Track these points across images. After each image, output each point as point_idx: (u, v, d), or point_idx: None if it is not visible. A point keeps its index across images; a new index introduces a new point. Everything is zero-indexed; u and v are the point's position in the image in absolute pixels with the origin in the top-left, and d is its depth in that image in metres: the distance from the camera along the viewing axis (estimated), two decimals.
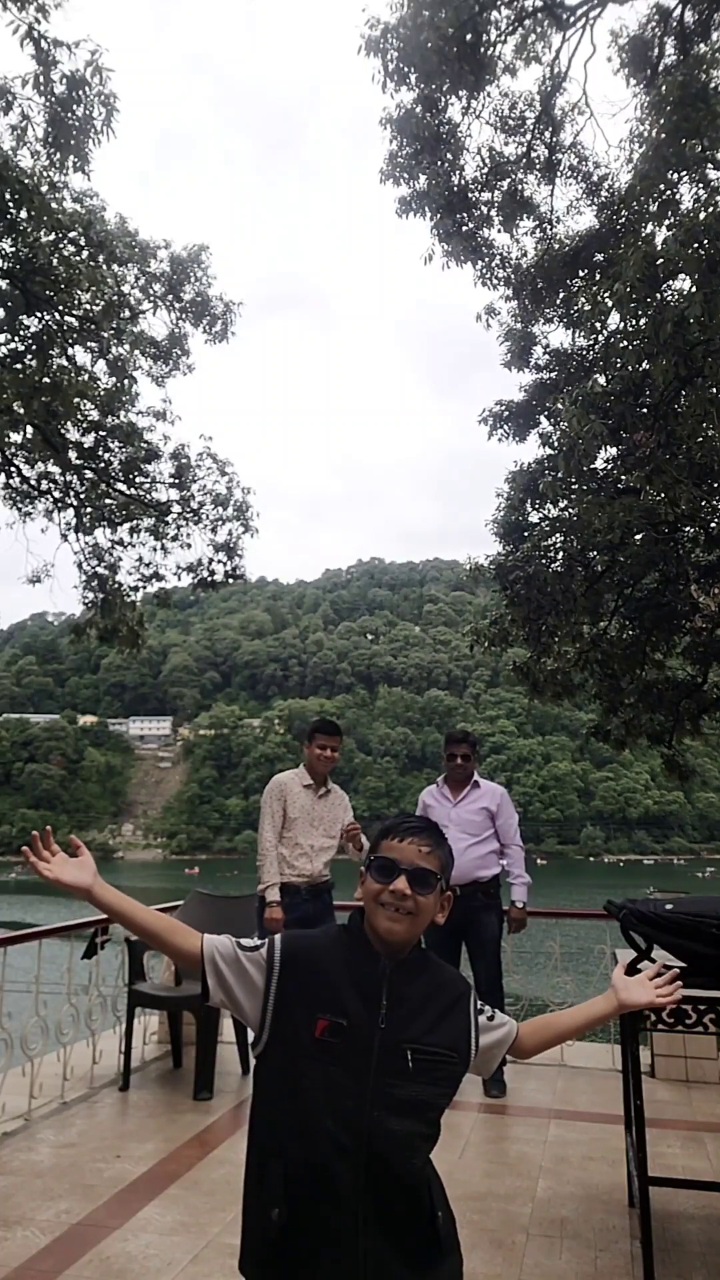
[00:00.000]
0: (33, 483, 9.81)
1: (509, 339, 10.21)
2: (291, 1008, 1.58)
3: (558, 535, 9.53)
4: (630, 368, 7.78)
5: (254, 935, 4.64)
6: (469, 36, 7.84)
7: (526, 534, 9.78)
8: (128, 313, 9.37)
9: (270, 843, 4.67)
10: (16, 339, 8.47)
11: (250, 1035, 1.70)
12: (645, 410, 7.99)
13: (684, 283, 7.16)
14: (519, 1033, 1.79)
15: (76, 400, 8.65)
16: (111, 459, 10.05)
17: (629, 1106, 3.21)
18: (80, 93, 6.98)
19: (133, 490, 10.23)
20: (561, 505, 9.46)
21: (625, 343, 7.55)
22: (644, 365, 7.53)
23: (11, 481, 9.71)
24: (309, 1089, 1.53)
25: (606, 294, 7.49)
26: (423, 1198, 1.58)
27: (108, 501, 10.13)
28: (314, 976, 1.60)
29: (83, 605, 10.54)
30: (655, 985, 1.82)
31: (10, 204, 7.43)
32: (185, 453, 10.28)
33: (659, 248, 6.82)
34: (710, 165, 7.40)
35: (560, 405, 8.24)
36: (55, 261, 8.09)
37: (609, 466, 9.09)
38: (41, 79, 6.93)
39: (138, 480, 10.23)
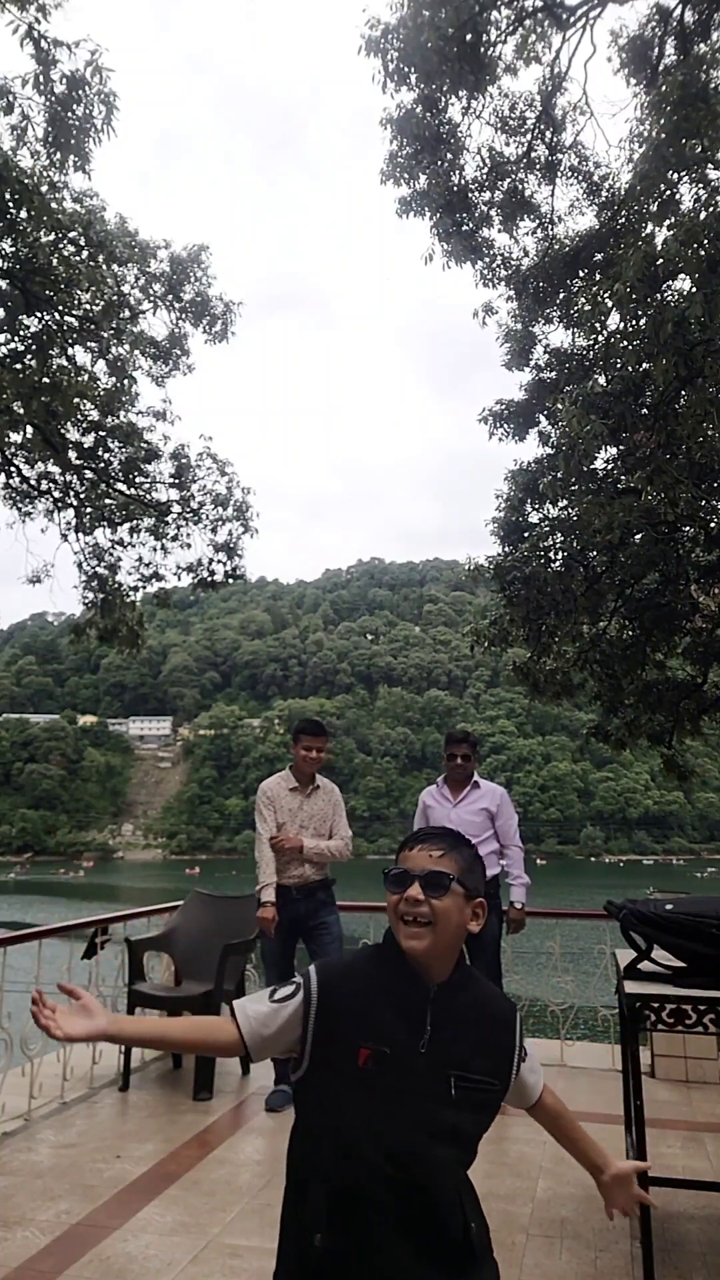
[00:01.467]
0: (33, 483, 9.82)
1: (509, 339, 10.22)
2: (332, 1039, 1.54)
3: (557, 535, 9.53)
4: (630, 368, 7.78)
5: (253, 934, 4.67)
6: (469, 36, 7.84)
7: (526, 534, 9.78)
8: (128, 313, 9.36)
9: (264, 849, 4.71)
10: (16, 339, 8.46)
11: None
12: (645, 410, 7.99)
13: (684, 283, 7.16)
14: (542, 1098, 1.75)
15: (76, 400, 8.65)
16: (111, 459, 10.05)
17: (629, 1106, 3.21)
18: (80, 92, 6.97)
19: (133, 490, 10.23)
20: (561, 505, 9.46)
21: (625, 343, 7.55)
22: (644, 365, 7.52)
23: (11, 481, 9.71)
24: (352, 1117, 1.50)
25: (606, 294, 7.49)
26: (457, 1214, 1.56)
27: (108, 501, 10.13)
28: (353, 1005, 1.55)
29: (83, 605, 10.55)
30: (636, 1198, 1.76)
31: (10, 204, 7.42)
32: (185, 453, 10.29)
33: (659, 248, 6.81)
34: (710, 165, 7.39)
35: (560, 405, 8.24)
36: (55, 261, 8.08)
37: (609, 466, 9.09)
38: (41, 79, 6.92)
39: (138, 480, 10.23)
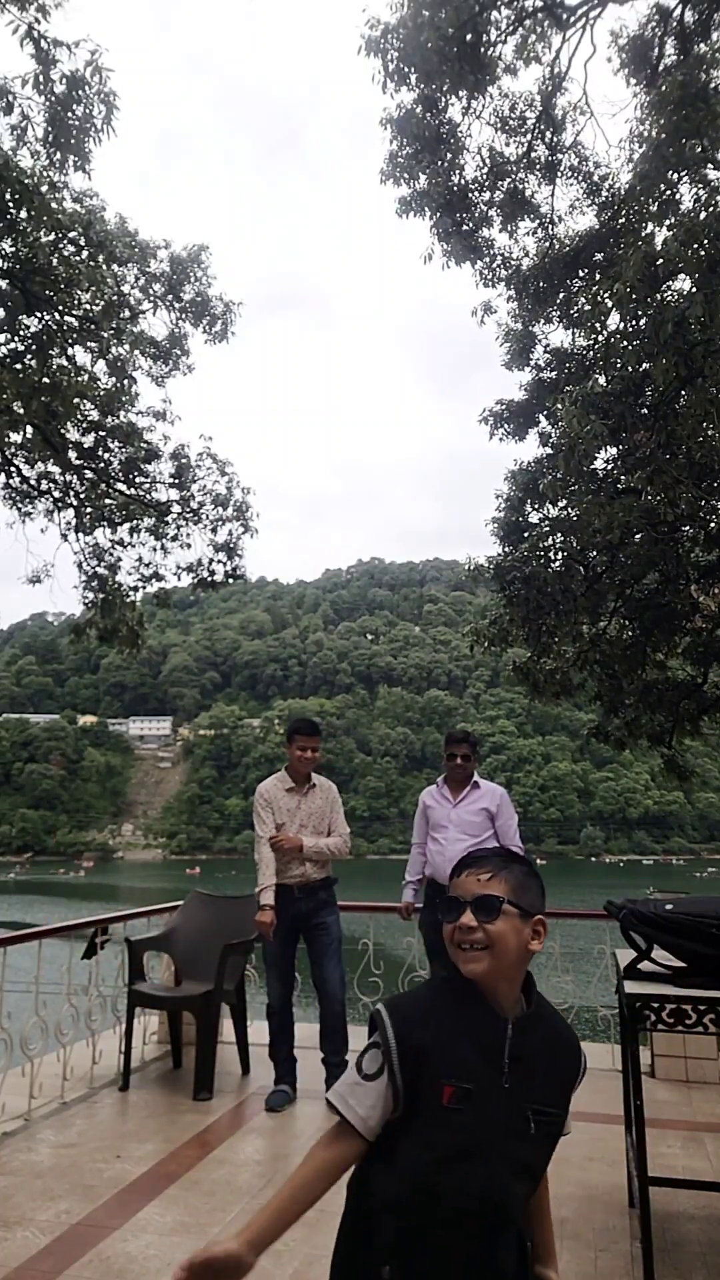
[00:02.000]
0: (33, 483, 9.81)
1: (509, 339, 10.22)
2: (418, 1079, 1.51)
3: (557, 535, 9.52)
4: (630, 368, 7.77)
5: (254, 934, 4.67)
6: (469, 36, 7.84)
7: (526, 534, 9.77)
8: (128, 313, 9.36)
9: (265, 852, 4.72)
10: (16, 339, 8.46)
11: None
12: (645, 410, 7.99)
13: (684, 283, 7.16)
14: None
15: (76, 400, 8.64)
16: (111, 459, 10.04)
17: (629, 1107, 3.21)
18: (80, 92, 6.97)
19: (133, 490, 10.23)
20: (561, 505, 9.45)
21: (625, 343, 7.55)
22: (644, 365, 7.52)
23: (11, 481, 9.71)
24: (436, 1155, 1.48)
25: (606, 294, 7.48)
26: (519, 1246, 1.55)
27: (108, 501, 10.12)
28: (434, 1043, 1.52)
29: (83, 605, 10.54)
30: None
31: (10, 204, 7.42)
32: (185, 453, 10.28)
33: (659, 248, 6.81)
34: (710, 165, 7.39)
35: (560, 405, 8.24)
36: (55, 261, 8.08)
37: (609, 466, 9.09)
38: (41, 79, 6.92)
39: (138, 480, 10.23)
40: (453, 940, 1.58)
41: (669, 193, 7.85)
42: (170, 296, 9.57)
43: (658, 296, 7.05)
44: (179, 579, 10.68)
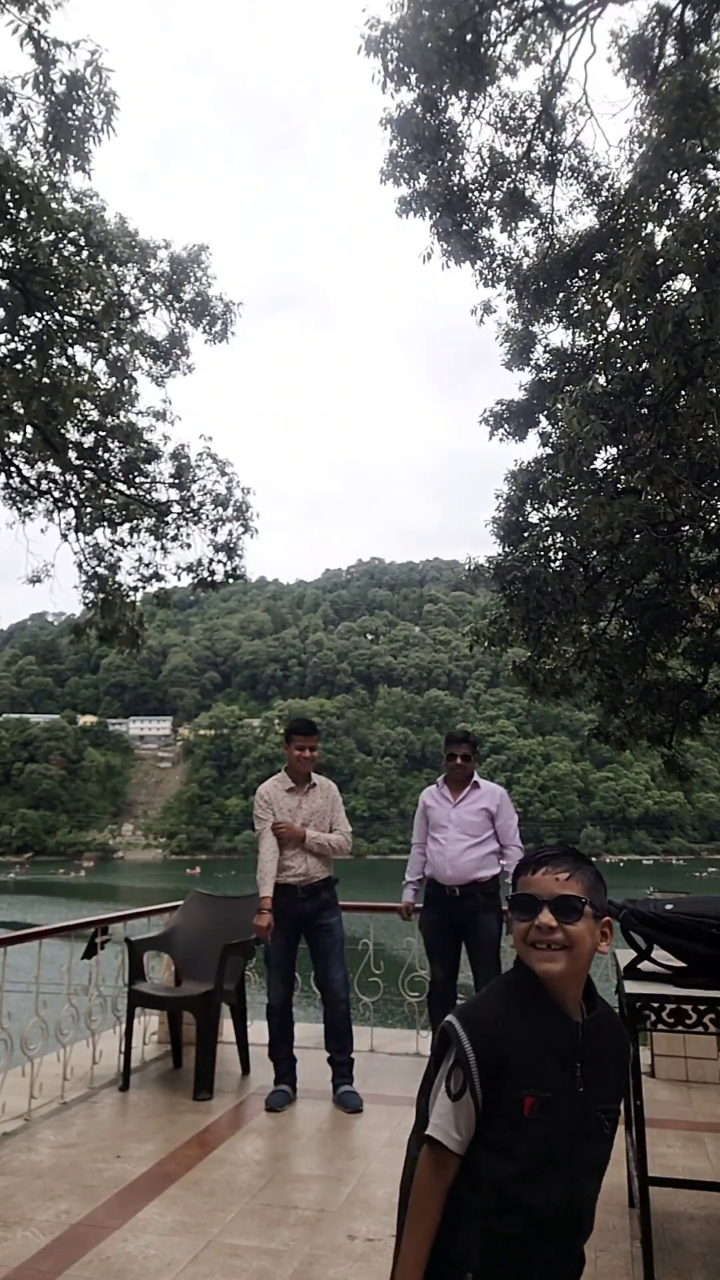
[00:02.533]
0: (33, 483, 9.81)
1: (509, 339, 10.22)
2: (498, 1090, 1.50)
3: (557, 535, 9.52)
4: (630, 368, 7.77)
5: (254, 934, 4.68)
6: (469, 36, 7.83)
7: (526, 534, 9.77)
8: (128, 313, 9.36)
9: (265, 854, 4.73)
10: (16, 339, 8.46)
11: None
12: (645, 410, 7.99)
13: (684, 283, 7.16)
14: None
15: (76, 400, 8.64)
16: (111, 459, 10.04)
17: (629, 1106, 3.21)
18: (80, 92, 6.97)
19: (133, 490, 10.23)
20: (561, 505, 9.45)
21: (625, 343, 7.54)
22: (644, 365, 7.52)
23: (11, 481, 9.71)
24: (516, 1165, 1.48)
25: (606, 294, 7.48)
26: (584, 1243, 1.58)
27: (108, 501, 10.12)
28: (511, 1053, 1.51)
29: (83, 605, 10.54)
30: None
31: (10, 204, 7.42)
32: (185, 453, 10.28)
33: (659, 248, 6.81)
34: (710, 165, 7.39)
35: (560, 405, 8.24)
36: (55, 261, 8.08)
37: (609, 466, 9.08)
38: (41, 79, 6.92)
39: (138, 480, 10.23)
40: (526, 939, 1.56)
41: (669, 193, 7.85)
42: (170, 296, 9.57)
43: (658, 296, 7.04)
44: (179, 579, 10.69)
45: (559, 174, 9.44)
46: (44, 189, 7.77)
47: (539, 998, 1.55)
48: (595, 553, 9.46)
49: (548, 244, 9.49)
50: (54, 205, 7.86)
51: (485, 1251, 1.48)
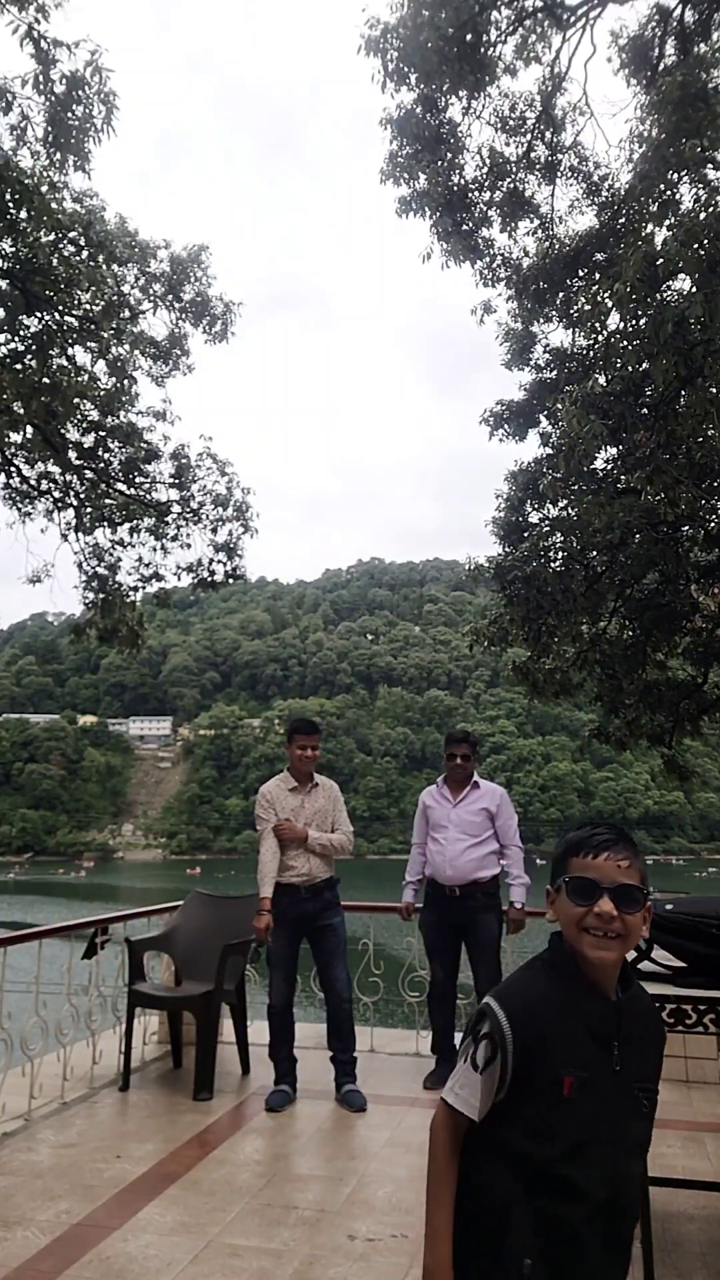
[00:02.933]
0: (33, 483, 9.81)
1: (509, 339, 10.22)
2: (533, 1070, 1.50)
3: (557, 535, 9.52)
4: (630, 368, 7.77)
5: (252, 934, 4.68)
6: (469, 36, 7.84)
7: (526, 534, 9.77)
8: (128, 313, 9.36)
9: (266, 854, 4.73)
10: (16, 339, 8.46)
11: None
12: (645, 410, 7.98)
13: (684, 283, 7.15)
14: None
15: (76, 400, 8.64)
16: (111, 459, 10.04)
17: None
18: (80, 92, 6.97)
19: (133, 490, 10.23)
20: (561, 505, 9.45)
21: (625, 343, 7.54)
22: (644, 365, 7.52)
23: (11, 481, 9.71)
24: (558, 1146, 1.48)
25: (606, 294, 7.48)
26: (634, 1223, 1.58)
27: (108, 501, 10.12)
28: (549, 1032, 1.50)
29: (83, 605, 10.54)
30: None
31: (10, 204, 7.42)
32: (185, 453, 10.28)
33: (659, 248, 6.81)
34: (710, 165, 7.39)
35: (560, 405, 8.24)
36: (55, 261, 8.08)
37: (609, 466, 9.08)
38: (41, 79, 6.92)
39: (138, 480, 10.23)
40: (582, 924, 1.53)
41: (669, 193, 7.84)
42: (170, 296, 9.57)
43: (658, 296, 7.04)
44: (179, 579, 10.68)
45: (559, 174, 9.44)
46: (44, 189, 7.77)
47: (576, 978, 1.54)
48: (595, 553, 9.46)
49: (548, 244, 9.49)
50: (54, 205, 7.87)
51: (540, 1236, 1.47)
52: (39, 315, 8.43)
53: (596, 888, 1.52)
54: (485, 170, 9.10)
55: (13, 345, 8.43)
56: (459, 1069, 1.57)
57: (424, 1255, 1.55)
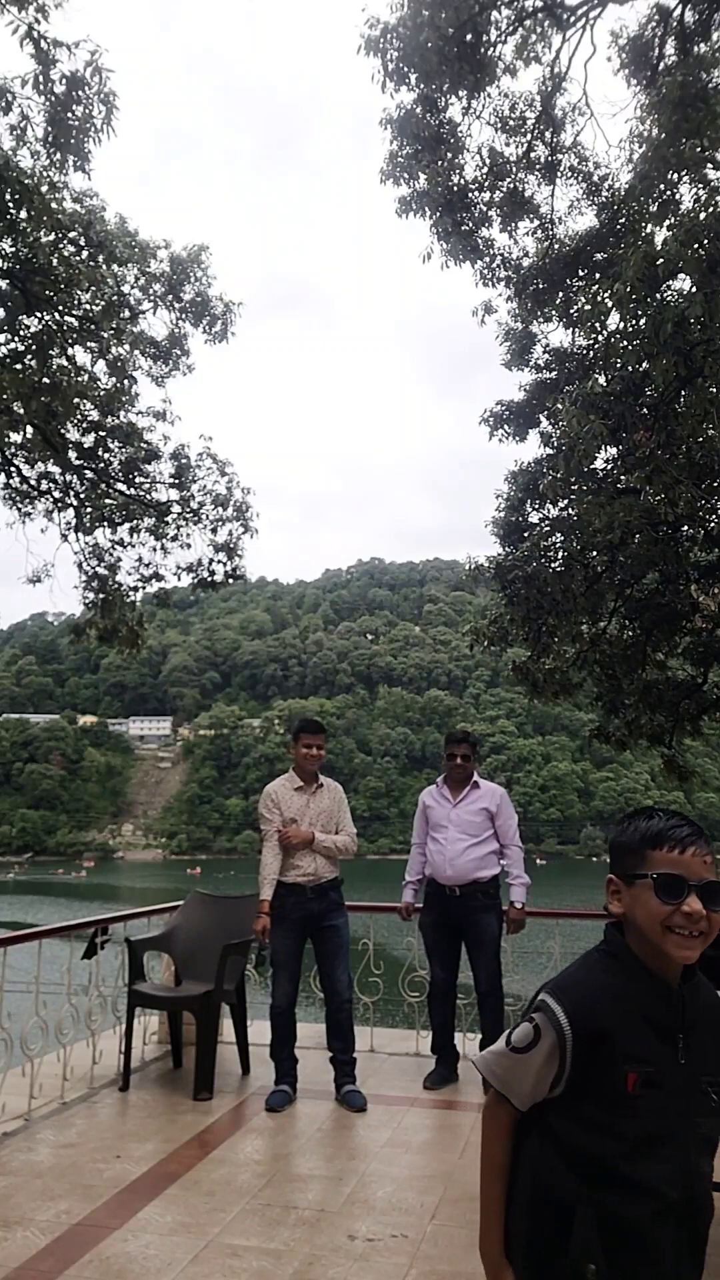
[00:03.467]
0: (33, 483, 9.81)
1: (509, 339, 10.21)
2: (594, 1066, 1.44)
3: (557, 535, 9.52)
4: (630, 368, 7.77)
5: (249, 935, 4.68)
6: (469, 36, 7.83)
7: (526, 534, 9.77)
8: (128, 313, 9.35)
9: (268, 856, 4.73)
10: (16, 339, 8.46)
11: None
12: (645, 410, 7.98)
13: (684, 283, 7.16)
14: None
15: (76, 400, 8.64)
16: (111, 459, 10.04)
17: None
18: (80, 92, 6.96)
19: (133, 490, 10.23)
20: (561, 505, 9.45)
21: (625, 343, 7.55)
22: (644, 365, 7.52)
23: (11, 481, 9.71)
24: (623, 1144, 1.42)
25: (606, 294, 7.49)
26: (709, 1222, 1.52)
27: (108, 501, 10.12)
28: (610, 1027, 1.44)
29: (83, 605, 10.53)
30: None
31: (10, 204, 7.42)
32: (185, 453, 10.28)
33: (659, 248, 6.81)
34: (710, 165, 7.39)
35: (560, 405, 8.24)
36: (55, 261, 8.08)
37: (609, 466, 9.08)
38: (41, 79, 6.91)
39: (138, 480, 10.23)
40: (668, 922, 1.45)
41: (669, 193, 7.85)
42: (170, 296, 9.56)
43: (658, 296, 7.05)
44: (179, 579, 10.68)
45: (559, 174, 9.43)
46: (44, 189, 7.77)
47: (637, 970, 1.49)
48: (595, 553, 9.46)
49: (548, 244, 9.49)
50: (54, 205, 7.86)
51: (606, 1240, 1.41)
52: (39, 315, 8.43)
53: (685, 885, 1.44)
54: (485, 170, 9.09)
55: (13, 345, 8.43)
56: (496, 1048, 1.54)
57: (479, 1240, 1.54)
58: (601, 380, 8.58)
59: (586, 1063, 1.43)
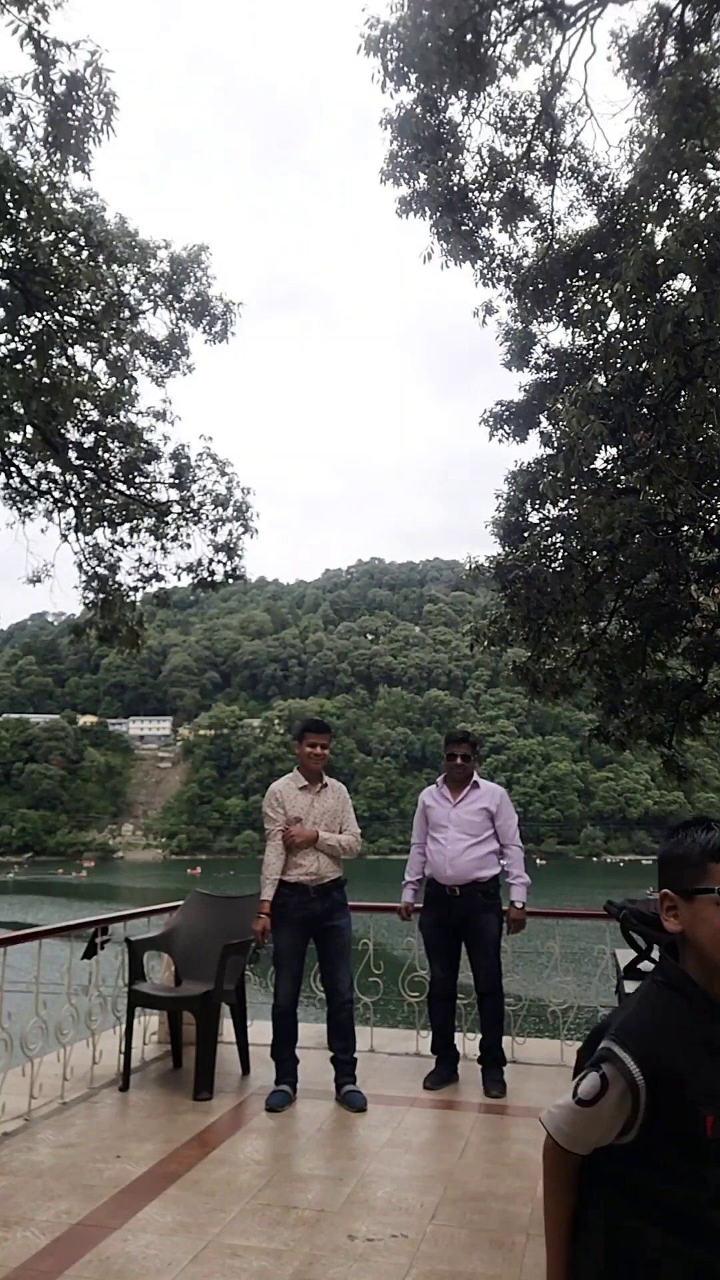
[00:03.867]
0: (33, 483, 9.81)
1: (509, 339, 10.21)
2: (667, 1110, 1.36)
3: (558, 535, 9.52)
4: (630, 368, 7.77)
5: (249, 935, 4.68)
6: (469, 36, 7.83)
7: (526, 534, 9.77)
8: (128, 313, 9.35)
9: (270, 856, 4.73)
10: (16, 339, 8.46)
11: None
12: (645, 410, 7.98)
13: (684, 283, 7.15)
14: None
15: (76, 400, 8.64)
16: (111, 459, 10.03)
17: None
18: (80, 93, 6.96)
19: (133, 490, 10.22)
20: (561, 505, 9.45)
21: (625, 343, 7.55)
22: (644, 365, 7.52)
23: (11, 481, 9.70)
24: (707, 1192, 1.34)
25: (606, 294, 7.49)
26: None
27: (108, 501, 10.12)
28: (682, 1069, 1.36)
29: (83, 605, 10.53)
30: None
31: (10, 204, 7.42)
32: (185, 453, 10.27)
33: (659, 248, 6.81)
34: (710, 165, 7.39)
35: (560, 405, 8.23)
36: (55, 261, 8.08)
37: (609, 466, 9.08)
38: (41, 79, 6.91)
39: (138, 480, 10.22)
40: None
41: (669, 193, 7.84)
42: (170, 296, 9.56)
43: (658, 296, 7.04)
44: (179, 579, 10.67)
45: (559, 174, 9.44)
46: (44, 189, 7.77)
47: (699, 998, 1.40)
48: (595, 553, 9.46)
49: (548, 244, 9.49)
50: (54, 205, 7.86)
51: None
52: (39, 315, 8.43)
53: None
54: (485, 170, 9.09)
55: (13, 345, 8.43)
56: (564, 1104, 1.46)
57: None
58: (601, 380, 8.58)
59: (658, 1109, 1.36)
